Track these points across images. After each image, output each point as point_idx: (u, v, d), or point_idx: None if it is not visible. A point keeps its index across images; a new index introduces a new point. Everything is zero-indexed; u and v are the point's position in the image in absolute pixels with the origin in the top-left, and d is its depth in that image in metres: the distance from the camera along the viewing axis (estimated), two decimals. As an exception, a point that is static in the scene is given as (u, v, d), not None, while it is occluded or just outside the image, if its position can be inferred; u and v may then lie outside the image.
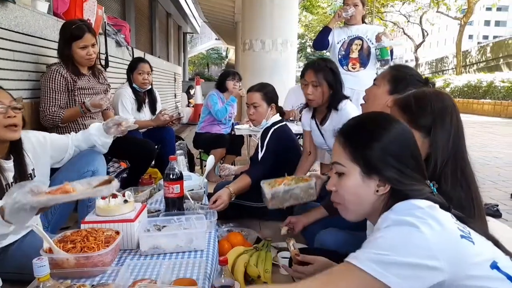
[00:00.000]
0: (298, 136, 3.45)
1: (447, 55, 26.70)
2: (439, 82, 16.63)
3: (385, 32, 3.08)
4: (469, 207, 1.09)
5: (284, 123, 2.67)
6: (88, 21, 3.11)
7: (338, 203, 1.01)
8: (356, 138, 0.97)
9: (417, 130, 1.16)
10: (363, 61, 3.21)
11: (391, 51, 3.14)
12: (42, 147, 1.79)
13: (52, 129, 2.37)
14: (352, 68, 3.18)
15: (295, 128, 3.29)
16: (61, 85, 2.38)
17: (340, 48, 3.28)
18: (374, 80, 1.74)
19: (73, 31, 2.40)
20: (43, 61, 2.60)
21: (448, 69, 25.18)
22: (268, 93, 2.60)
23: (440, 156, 1.14)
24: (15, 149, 1.63)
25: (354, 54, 3.16)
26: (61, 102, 2.40)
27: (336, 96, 2.34)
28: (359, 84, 3.03)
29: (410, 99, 1.22)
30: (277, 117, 2.63)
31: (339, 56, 3.28)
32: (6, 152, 1.60)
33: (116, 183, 1.39)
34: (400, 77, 1.63)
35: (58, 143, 1.88)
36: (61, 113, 2.36)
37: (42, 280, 0.95)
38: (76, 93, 2.46)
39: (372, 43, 3.15)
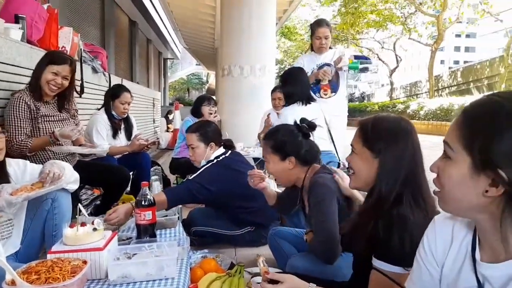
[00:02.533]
0: (259, 160, 3.44)
1: (421, 79, 27.68)
2: (413, 105, 17.15)
3: (338, 59, 3.21)
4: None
5: (227, 155, 2.56)
6: (63, 49, 3.13)
7: (437, 189, 0.85)
8: (479, 121, 0.75)
9: (368, 149, 1.24)
10: (333, 86, 3.29)
11: (358, 57, 3.25)
12: (22, 173, 1.83)
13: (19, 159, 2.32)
14: (324, 94, 3.26)
15: (258, 152, 3.28)
16: (25, 112, 2.34)
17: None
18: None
19: (56, 55, 2.44)
20: (15, 88, 2.57)
21: (421, 93, 26.04)
22: (206, 133, 2.52)
23: (389, 177, 1.18)
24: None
25: (325, 81, 3.26)
26: (27, 129, 2.35)
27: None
28: (329, 110, 3.10)
29: (369, 120, 1.30)
30: (219, 151, 2.55)
31: (311, 85, 3.37)
32: None
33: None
34: (278, 143, 1.87)
35: (36, 171, 1.86)
36: (28, 143, 2.31)
37: (1, 313, 0.92)
38: (40, 120, 2.41)
39: (342, 68, 3.24)
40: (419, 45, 24.30)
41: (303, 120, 1.88)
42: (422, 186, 1.20)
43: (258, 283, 1.84)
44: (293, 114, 2.82)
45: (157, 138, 3.61)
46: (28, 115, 2.35)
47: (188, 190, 2.34)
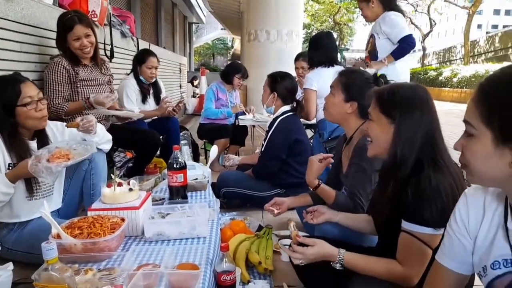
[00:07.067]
0: (304, 126, 3.45)
1: (455, 45, 26.28)
2: (446, 72, 16.42)
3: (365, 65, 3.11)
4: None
5: (291, 113, 2.69)
6: (93, 13, 3.15)
7: (464, 164, 0.87)
8: (494, 96, 0.78)
9: (385, 116, 1.27)
10: (372, 58, 3.15)
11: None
12: (60, 134, 1.96)
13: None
14: (366, 64, 3.17)
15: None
16: (64, 77, 2.40)
17: None
18: (330, 86, 1.90)
19: (64, 23, 2.40)
20: (48, 52, 2.64)
21: (456, 59, 24.83)
22: (274, 81, 2.68)
23: (404, 143, 1.21)
24: (40, 132, 1.85)
25: (367, 52, 3.19)
26: (65, 93, 2.43)
27: None
28: None
29: (385, 88, 1.32)
30: (285, 108, 2.68)
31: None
32: (32, 134, 1.83)
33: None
34: (351, 84, 1.82)
35: (73, 132, 1.95)
36: (65, 106, 2.39)
37: (51, 262, 1.00)
38: (79, 85, 2.47)
39: (379, 36, 3.06)
40: (455, 8, 22.95)
41: (383, 76, 1.83)
42: (442, 151, 1.22)
43: (286, 245, 1.90)
44: (318, 76, 2.91)
45: (182, 98, 3.63)
46: (66, 80, 2.42)
47: (271, 158, 2.64)
